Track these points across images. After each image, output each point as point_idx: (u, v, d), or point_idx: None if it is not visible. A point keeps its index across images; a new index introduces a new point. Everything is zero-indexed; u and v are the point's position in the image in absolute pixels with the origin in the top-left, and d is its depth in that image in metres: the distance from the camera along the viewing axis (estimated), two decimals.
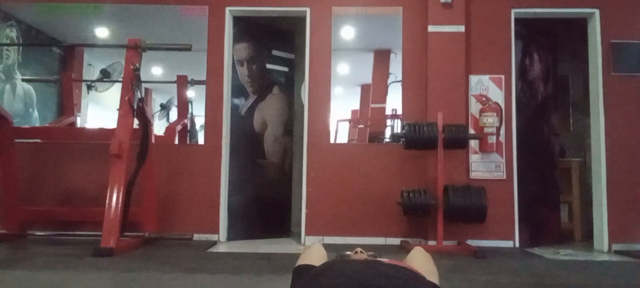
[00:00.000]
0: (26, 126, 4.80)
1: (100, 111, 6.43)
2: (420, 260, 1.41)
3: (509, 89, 4.27)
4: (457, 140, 3.83)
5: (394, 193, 4.00)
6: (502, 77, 4.28)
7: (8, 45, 4.93)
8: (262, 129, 4.75)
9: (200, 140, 5.37)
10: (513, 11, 4.34)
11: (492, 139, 4.10)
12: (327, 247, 1.66)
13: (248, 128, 4.64)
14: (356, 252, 1.36)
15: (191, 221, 4.23)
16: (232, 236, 4.35)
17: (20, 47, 5.11)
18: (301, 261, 1.43)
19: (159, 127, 5.15)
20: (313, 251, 1.52)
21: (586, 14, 4.37)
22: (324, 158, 4.31)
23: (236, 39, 4.55)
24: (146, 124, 3.73)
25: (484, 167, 4.20)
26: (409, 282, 1.03)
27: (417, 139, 3.85)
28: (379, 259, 1.21)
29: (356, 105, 5.68)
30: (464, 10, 4.23)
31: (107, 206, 3.26)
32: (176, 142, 5.08)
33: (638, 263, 3.55)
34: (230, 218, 4.36)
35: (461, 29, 4.22)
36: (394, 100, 5.00)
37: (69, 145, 4.37)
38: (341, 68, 5.04)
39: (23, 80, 5.19)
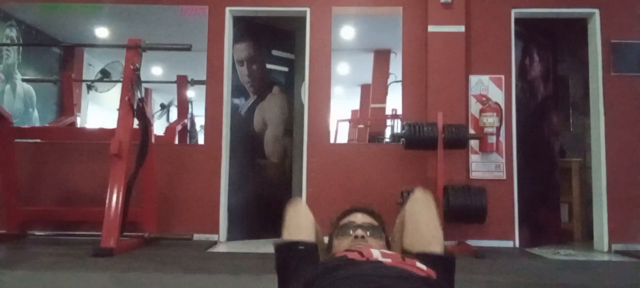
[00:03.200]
0: (26, 126, 4.80)
1: (100, 111, 6.43)
2: (421, 222, 1.37)
3: (509, 89, 4.27)
4: (457, 140, 3.83)
5: (394, 193, 3.98)
6: (502, 77, 4.28)
7: (8, 45, 4.93)
8: (262, 129, 4.75)
9: (200, 140, 5.38)
10: (513, 11, 4.34)
11: (492, 139, 4.09)
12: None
13: (248, 128, 4.63)
14: (357, 237, 1.37)
15: (191, 221, 4.23)
16: (232, 236, 4.34)
17: (20, 47, 5.11)
18: (290, 234, 1.35)
19: (159, 127, 5.15)
20: (301, 222, 1.41)
21: (586, 14, 4.36)
22: (324, 158, 4.31)
23: (236, 39, 4.55)
24: (146, 124, 3.73)
25: (484, 167, 4.20)
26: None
27: (417, 139, 3.84)
28: (380, 259, 1.19)
29: (356, 105, 5.69)
30: (464, 10, 4.23)
31: (107, 206, 3.26)
32: (176, 142, 5.08)
33: (638, 263, 3.55)
34: (230, 218, 4.36)
35: (461, 29, 4.22)
36: (394, 100, 5.01)
37: (69, 145, 4.36)
38: (341, 68, 5.05)
39: (23, 80, 5.18)
